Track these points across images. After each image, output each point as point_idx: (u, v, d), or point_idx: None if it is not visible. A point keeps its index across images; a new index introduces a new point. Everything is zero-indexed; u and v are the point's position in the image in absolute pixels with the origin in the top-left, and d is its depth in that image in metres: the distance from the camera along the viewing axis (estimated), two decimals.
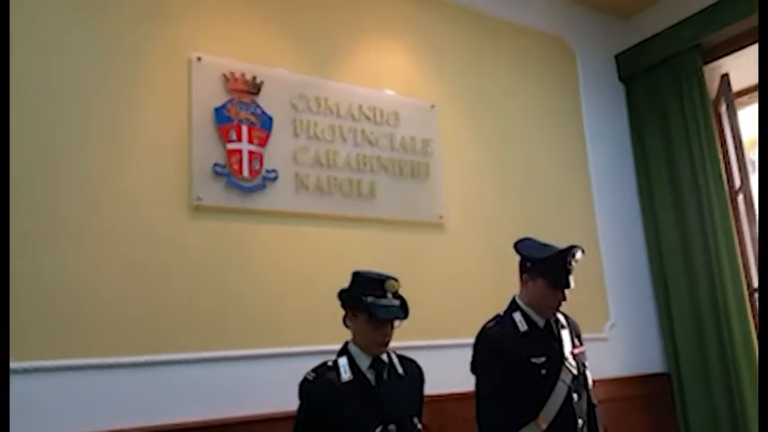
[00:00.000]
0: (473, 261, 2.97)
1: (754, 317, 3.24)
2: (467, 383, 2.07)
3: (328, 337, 1.91)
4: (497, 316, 2.02)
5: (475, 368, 1.97)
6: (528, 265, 1.98)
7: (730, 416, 3.21)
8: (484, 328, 2.00)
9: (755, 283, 3.33)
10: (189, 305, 2.22)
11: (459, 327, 2.63)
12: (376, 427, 1.65)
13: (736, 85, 3.58)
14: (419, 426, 1.77)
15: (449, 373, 2.55)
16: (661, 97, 3.65)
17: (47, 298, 1.98)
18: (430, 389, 2.52)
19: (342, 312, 1.85)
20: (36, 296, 1.96)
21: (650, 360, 3.51)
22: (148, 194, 2.24)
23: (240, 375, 2.26)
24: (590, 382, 2.04)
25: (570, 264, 1.94)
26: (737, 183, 3.51)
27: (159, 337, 2.14)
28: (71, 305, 2.01)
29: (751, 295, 3.29)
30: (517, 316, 1.97)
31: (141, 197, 2.22)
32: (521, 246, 2.03)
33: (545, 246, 2.00)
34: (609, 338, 3.36)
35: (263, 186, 2.46)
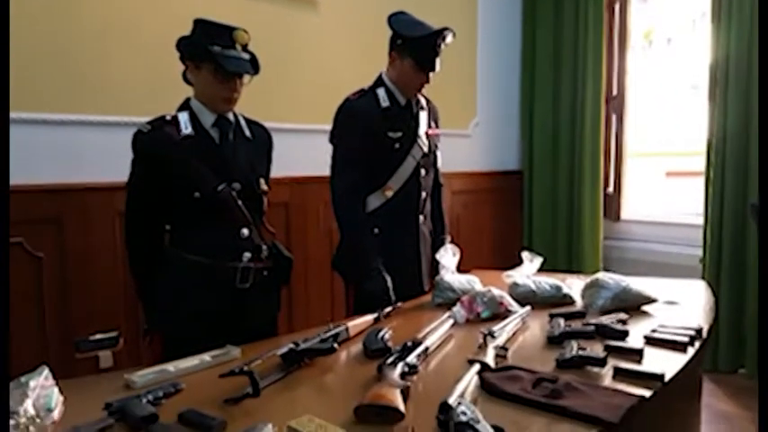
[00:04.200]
0: (347, 44, 2.82)
1: (606, 122, 3.49)
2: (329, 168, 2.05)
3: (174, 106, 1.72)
4: (361, 90, 2.00)
5: (333, 138, 1.97)
6: (398, 42, 1.91)
7: (569, 212, 3.61)
8: (347, 99, 1.97)
9: (615, 91, 3.54)
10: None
11: (328, 112, 2.56)
12: (219, 185, 1.57)
13: None
14: (265, 187, 1.72)
15: (314, 156, 2.52)
16: None
17: None
18: (295, 170, 2.55)
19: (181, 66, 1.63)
20: None
21: (507, 159, 3.75)
22: None
23: (65, 142, 2.08)
24: (439, 162, 2.12)
25: (439, 46, 1.90)
26: None
27: None
28: None
29: (607, 102, 3.50)
30: (381, 92, 1.96)
31: None
32: (394, 20, 1.93)
33: (418, 24, 1.92)
34: (472, 135, 3.50)
35: None
